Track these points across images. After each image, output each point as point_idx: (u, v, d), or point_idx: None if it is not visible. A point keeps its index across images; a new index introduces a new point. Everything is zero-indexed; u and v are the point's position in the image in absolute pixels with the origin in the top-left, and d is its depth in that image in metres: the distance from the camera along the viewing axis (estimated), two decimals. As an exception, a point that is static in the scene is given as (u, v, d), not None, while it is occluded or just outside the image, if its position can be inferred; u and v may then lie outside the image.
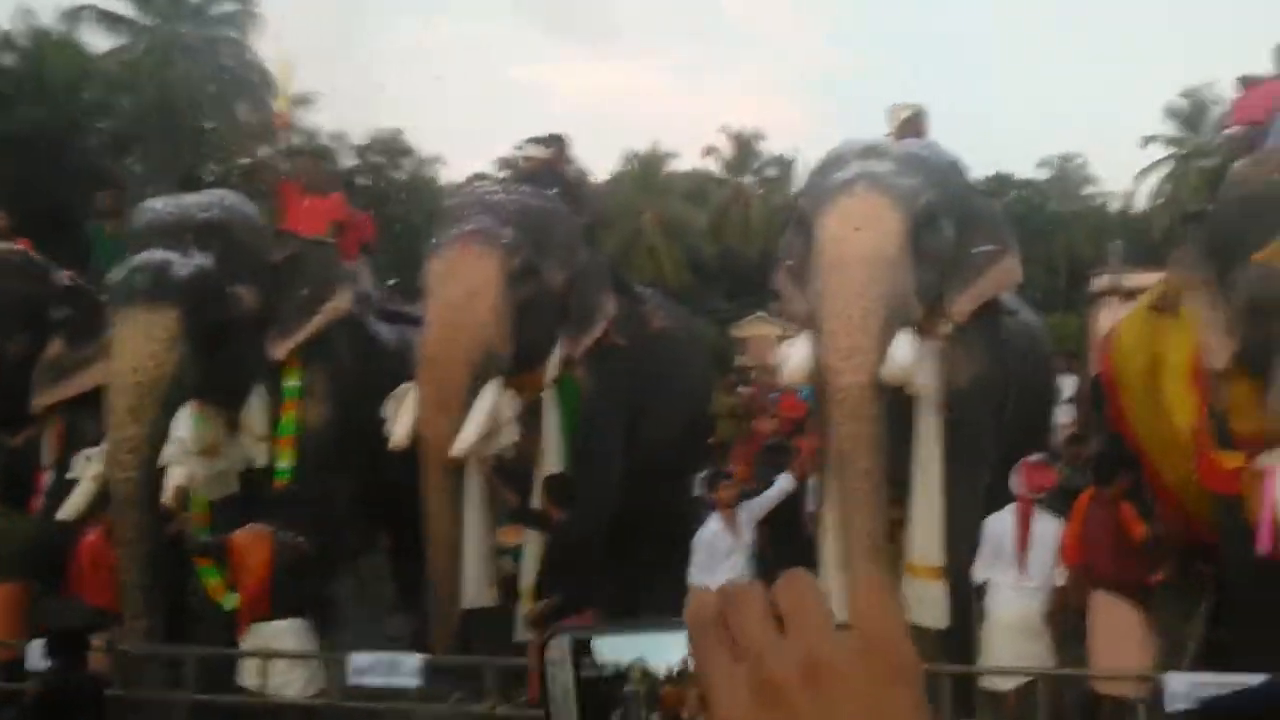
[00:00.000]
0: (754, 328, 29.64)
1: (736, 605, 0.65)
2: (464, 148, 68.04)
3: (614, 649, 0.68)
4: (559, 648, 0.68)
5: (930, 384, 6.51)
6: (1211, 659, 6.45)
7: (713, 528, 7.18)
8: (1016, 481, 6.44)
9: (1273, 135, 6.94)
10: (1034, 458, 6.61)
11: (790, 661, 0.62)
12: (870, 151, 6.74)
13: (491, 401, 6.94)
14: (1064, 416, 11.09)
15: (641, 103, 74.88)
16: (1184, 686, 5.27)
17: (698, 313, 12.99)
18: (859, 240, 6.20)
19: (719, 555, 7.07)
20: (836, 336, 6.10)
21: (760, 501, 7.52)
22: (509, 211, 7.46)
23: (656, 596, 8.24)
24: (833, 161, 6.83)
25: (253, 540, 6.90)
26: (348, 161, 31.47)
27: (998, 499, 6.63)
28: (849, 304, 6.09)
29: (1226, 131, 7.28)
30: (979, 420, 6.76)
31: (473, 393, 6.90)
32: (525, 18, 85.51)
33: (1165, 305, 6.57)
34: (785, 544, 7.24)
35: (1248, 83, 7.85)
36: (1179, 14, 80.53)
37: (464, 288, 7.08)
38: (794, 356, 6.50)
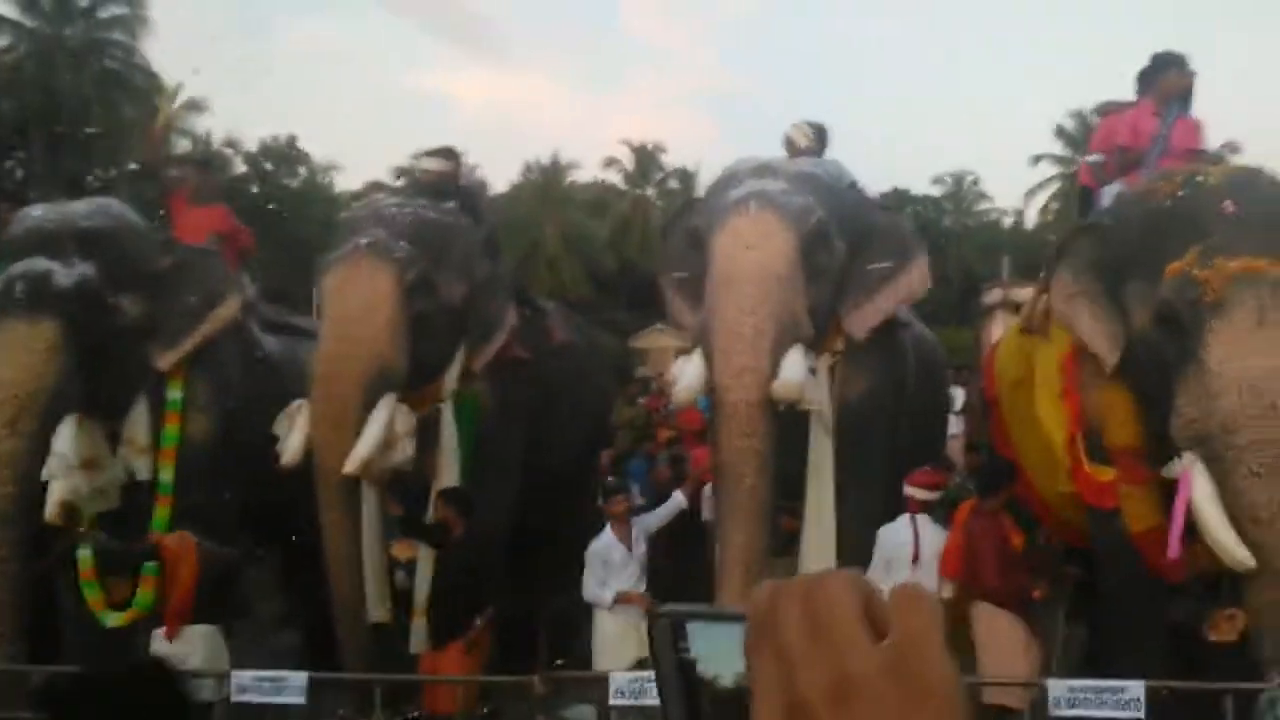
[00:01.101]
0: (653, 339, 29.77)
1: (780, 607, 0.63)
2: (360, 155, 67.37)
3: (704, 635, 0.67)
4: (662, 630, 0.68)
5: (823, 400, 6.62)
6: (1085, 665, 6.64)
7: (606, 540, 7.23)
8: (907, 492, 6.55)
9: (1148, 161, 7.10)
10: (924, 468, 6.74)
11: (820, 677, 0.60)
12: (764, 170, 6.82)
13: (386, 417, 6.89)
14: (955, 427, 11.39)
15: (542, 113, 74.89)
16: (1064, 692, 5.44)
17: (598, 324, 13.07)
18: (750, 258, 6.28)
19: (613, 567, 7.14)
20: (727, 354, 6.16)
21: (654, 515, 7.61)
22: (404, 225, 7.40)
23: (555, 609, 8.27)
24: (727, 179, 6.91)
25: (182, 546, 6.81)
26: (239, 168, 30.91)
27: (894, 511, 6.76)
28: (740, 322, 6.16)
29: (1090, 158, 7.56)
30: (873, 433, 6.88)
31: (366, 408, 6.84)
32: (424, 25, 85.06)
33: (1034, 326, 6.78)
34: (684, 555, 7.31)
35: (1107, 109, 8.14)
36: (1068, 36, 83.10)
37: (358, 302, 7.02)
38: (686, 374, 6.55)
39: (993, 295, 13.59)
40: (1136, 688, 5.39)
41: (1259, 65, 76.04)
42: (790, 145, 8.00)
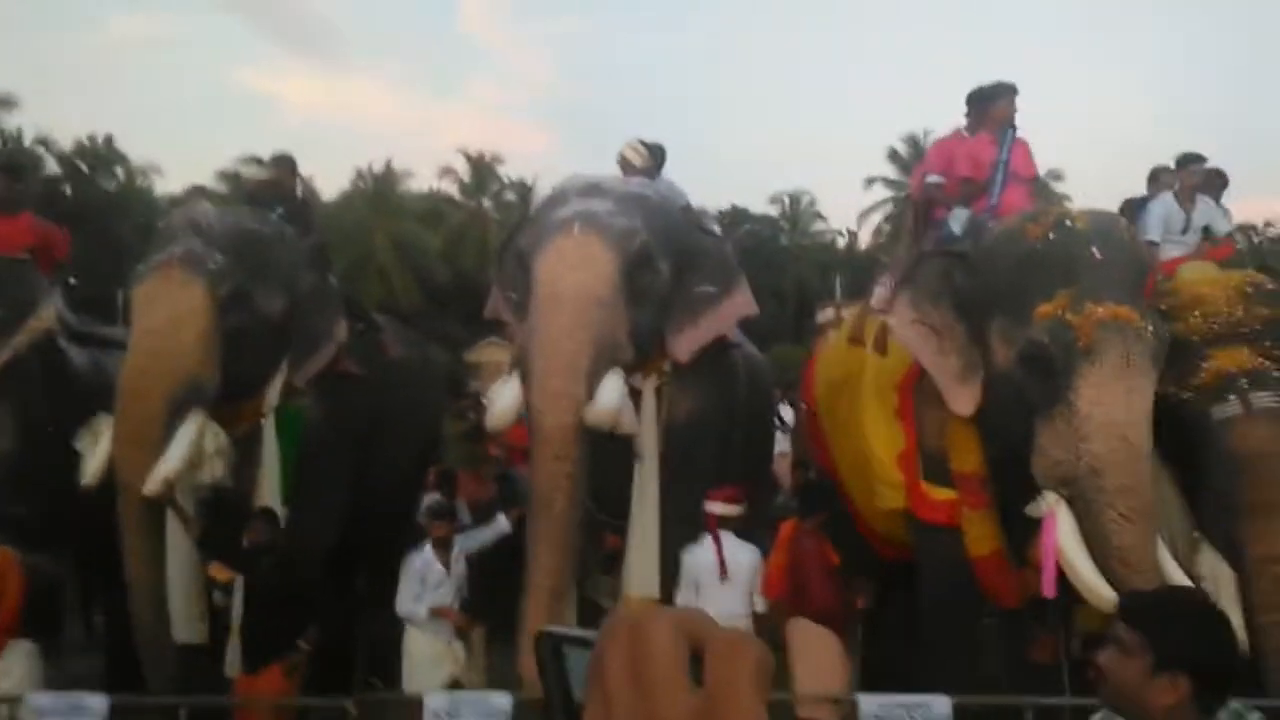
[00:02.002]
0: (487, 353, 29.62)
1: (608, 649, 0.64)
2: (183, 157, 65.10)
3: (577, 660, 0.69)
4: (545, 650, 0.70)
5: (647, 422, 6.65)
6: (888, 678, 6.85)
7: (425, 555, 7.18)
8: (707, 509, 6.57)
9: (991, 190, 7.27)
10: (725, 485, 6.69)
11: None
12: (592, 190, 6.80)
13: (192, 435, 6.65)
14: (783, 445, 11.64)
15: (375, 119, 73.83)
16: (874, 707, 5.59)
17: (430, 337, 12.92)
18: (572, 281, 6.26)
19: (429, 586, 7.09)
20: (544, 378, 6.14)
21: (475, 536, 7.59)
22: (220, 234, 7.15)
23: (374, 629, 8.16)
24: (555, 198, 6.88)
25: (4, 561, 6.55)
26: (52, 169, 29.54)
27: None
28: (558, 345, 6.15)
29: (930, 178, 7.72)
30: (701, 453, 6.93)
31: (172, 425, 6.59)
32: (252, 22, 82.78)
33: (862, 338, 6.97)
34: (504, 575, 7.28)
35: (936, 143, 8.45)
36: (902, 61, 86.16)
37: (166, 316, 6.76)
38: (503, 396, 6.51)
39: (826, 314, 14.01)
40: (943, 703, 5.56)
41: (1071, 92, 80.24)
42: (625, 164, 8.05)
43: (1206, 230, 8.06)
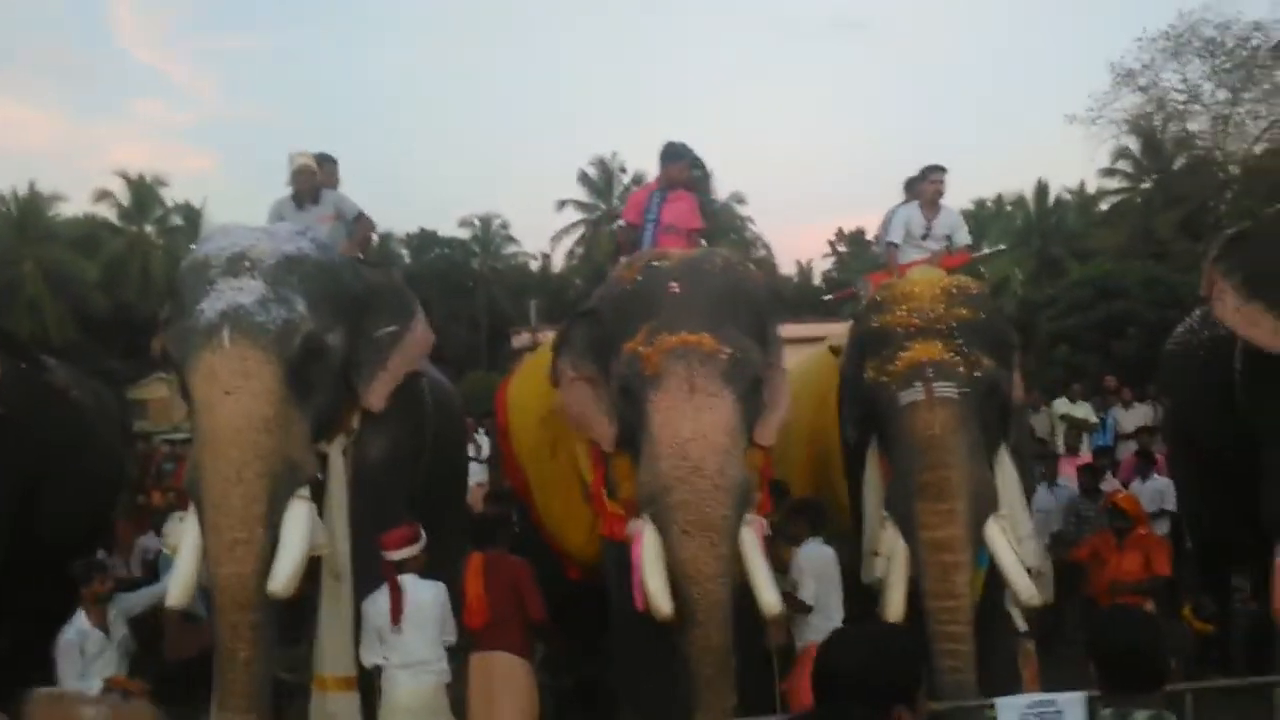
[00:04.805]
0: (154, 389, 28.07)
1: None
2: None
3: None
4: None
5: (337, 489, 6.42)
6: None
7: (78, 627, 6.58)
8: (384, 556, 6.31)
9: (647, 238, 7.82)
10: (396, 529, 6.41)
11: None
12: (238, 264, 6.17)
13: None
14: (480, 475, 11.59)
15: (17, 140, 68.84)
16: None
17: (91, 374, 12.05)
18: (230, 410, 5.77)
19: (89, 657, 6.52)
20: (218, 529, 5.70)
21: (136, 596, 7.10)
22: None
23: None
24: (197, 275, 6.24)
25: None
26: None
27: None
28: (227, 492, 5.70)
29: (618, 223, 8.19)
30: (393, 499, 6.75)
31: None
32: None
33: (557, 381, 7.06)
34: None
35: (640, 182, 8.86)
36: (593, 83, 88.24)
37: None
38: (185, 544, 5.98)
39: (521, 339, 14.05)
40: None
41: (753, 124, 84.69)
42: (306, 175, 7.91)
43: (951, 239, 8.72)
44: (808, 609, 6.71)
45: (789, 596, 6.58)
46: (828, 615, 6.70)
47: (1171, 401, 9.92)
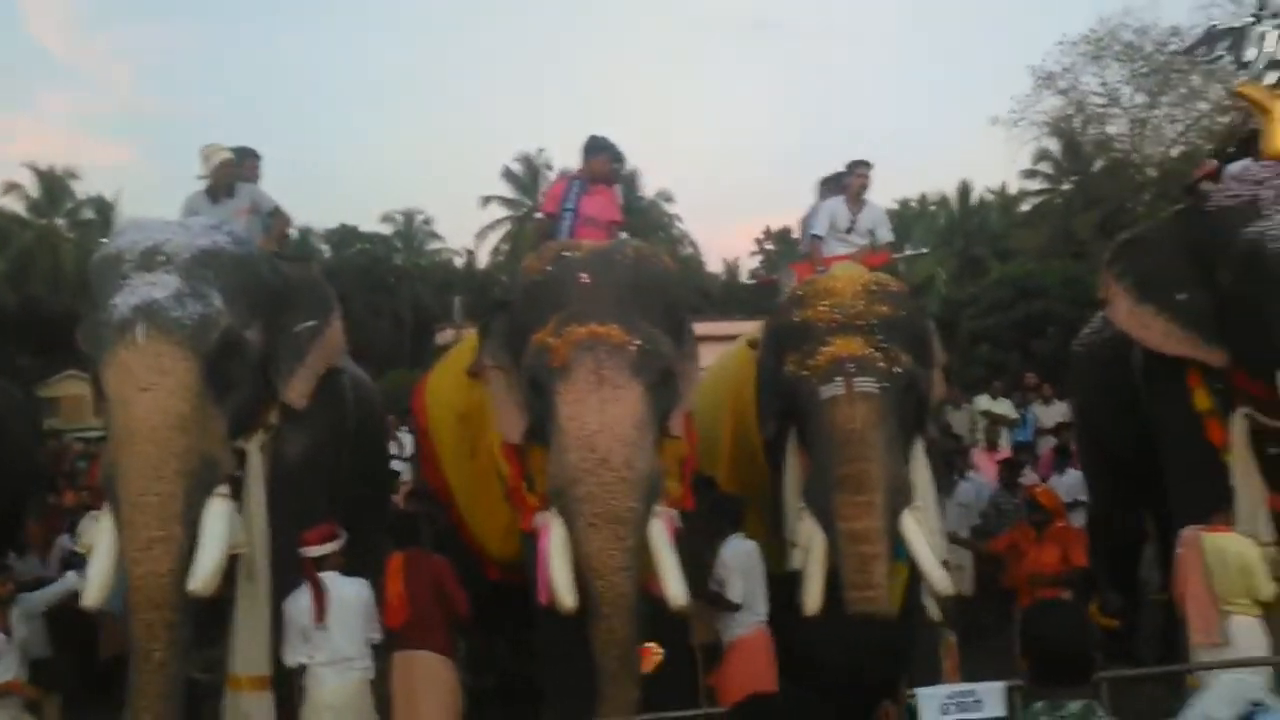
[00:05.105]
0: (66, 387, 27.50)
1: None
2: None
3: None
4: None
5: (255, 486, 6.35)
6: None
7: None
8: (303, 554, 6.29)
9: (565, 229, 7.76)
10: (316, 527, 6.42)
11: None
12: (152, 258, 6.09)
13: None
14: (401, 474, 11.52)
15: (-78, 133, 66.96)
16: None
17: (-1, 372, 11.67)
18: (145, 406, 5.68)
19: None
20: (135, 527, 5.60)
21: (39, 595, 6.97)
22: None
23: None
24: (110, 269, 6.16)
25: None
26: None
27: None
28: (144, 489, 5.61)
29: (537, 215, 8.16)
30: (314, 496, 6.71)
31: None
32: None
33: (478, 371, 7.04)
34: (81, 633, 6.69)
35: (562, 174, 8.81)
36: (518, 78, 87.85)
37: None
38: (100, 547, 5.89)
39: (445, 336, 13.93)
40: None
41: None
42: (227, 168, 7.78)
43: (874, 234, 8.80)
44: (736, 608, 6.76)
45: (717, 596, 6.65)
46: (753, 610, 6.77)
47: (1078, 402, 10.14)
